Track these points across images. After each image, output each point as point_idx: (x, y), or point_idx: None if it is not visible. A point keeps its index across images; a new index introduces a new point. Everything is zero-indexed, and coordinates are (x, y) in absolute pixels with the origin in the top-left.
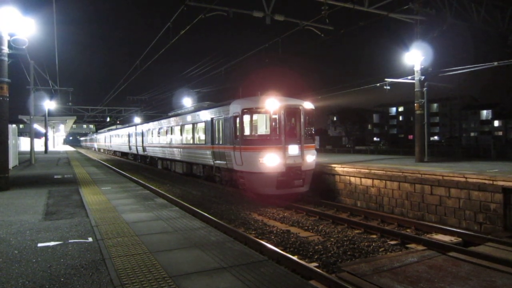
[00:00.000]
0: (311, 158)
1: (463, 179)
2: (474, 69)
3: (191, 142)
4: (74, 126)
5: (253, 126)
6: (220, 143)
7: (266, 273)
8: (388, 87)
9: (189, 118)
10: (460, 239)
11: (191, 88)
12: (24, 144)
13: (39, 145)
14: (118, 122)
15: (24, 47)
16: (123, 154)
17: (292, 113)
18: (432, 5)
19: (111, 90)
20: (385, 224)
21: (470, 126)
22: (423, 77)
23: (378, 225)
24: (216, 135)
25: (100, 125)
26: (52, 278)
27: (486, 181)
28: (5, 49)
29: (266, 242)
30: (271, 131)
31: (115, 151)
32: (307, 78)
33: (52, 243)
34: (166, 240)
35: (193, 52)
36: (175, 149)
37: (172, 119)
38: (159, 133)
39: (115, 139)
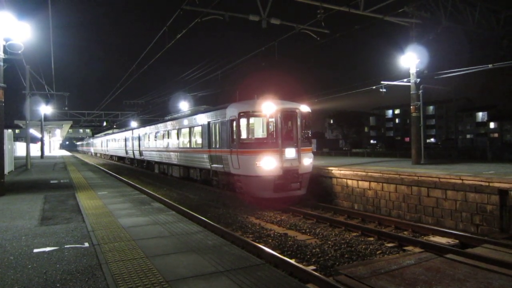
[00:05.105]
0: (308, 161)
1: (460, 181)
2: (469, 72)
3: (188, 146)
4: (70, 130)
5: (249, 129)
6: (217, 146)
7: (263, 277)
8: (384, 90)
9: (185, 122)
10: (457, 241)
11: (187, 92)
12: (20, 149)
13: (35, 150)
14: (114, 126)
15: (19, 52)
16: (120, 158)
17: (288, 116)
18: (427, 8)
19: (107, 95)
20: (382, 227)
21: (466, 128)
22: (418, 80)
23: (375, 227)
24: (213, 139)
25: (97, 130)
26: (48, 283)
27: (483, 183)
28: (1, 54)
29: (264, 246)
30: (268, 134)
31: (111, 156)
32: (304, 81)
33: (48, 249)
34: (163, 245)
35: (189, 56)
36: (172, 153)
37: (168, 123)
38: (156, 137)
39: (111, 143)
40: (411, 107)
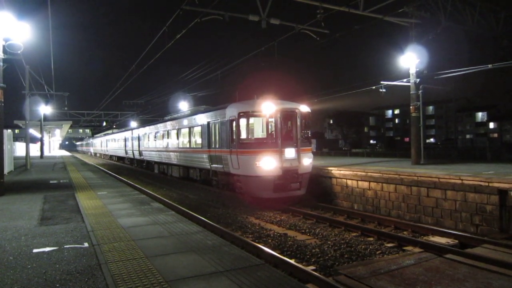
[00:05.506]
0: (307, 161)
1: (459, 181)
2: (468, 72)
3: (188, 146)
4: (70, 130)
5: (249, 129)
6: (217, 146)
7: (263, 277)
8: (384, 90)
9: (185, 122)
10: (457, 241)
11: (187, 92)
12: (19, 149)
13: (34, 150)
14: (114, 126)
15: (19, 52)
16: (120, 158)
17: (288, 116)
18: (426, 8)
19: (107, 95)
20: (382, 227)
21: (466, 128)
22: (418, 80)
23: (375, 227)
24: (213, 139)
25: (96, 130)
26: (47, 284)
27: (482, 183)
28: (0, 54)
29: (263, 246)
30: (268, 134)
31: (111, 156)
32: (304, 81)
33: (47, 249)
34: (162, 245)
35: (189, 56)
36: (171, 153)
37: (168, 123)
38: (155, 137)
39: (111, 143)
40: (411, 107)
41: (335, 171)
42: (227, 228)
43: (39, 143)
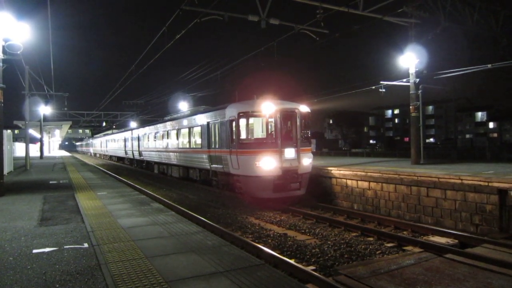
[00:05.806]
0: (307, 161)
1: (459, 181)
2: (468, 72)
3: (188, 146)
4: (69, 131)
5: (249, 129)
6: (217, 147)
7: (263, 277)
8: (384, 90)
9: (185, 122)
10: (457, 240)
11: (187, 92)
12: (19, 149)
13: (34, 150)
14: (114, 126)
15: (19, 52)
16: (119, 159)
17: (288, 116)
18: (426, 8)
19: (107, 95)
20: (381, 227)
21: (465, 128)
22: (418, 80)
23: (375, 227)
24: (213, 139)
25: (96, 130)
26: (47, 284)
27: (482, 183)
28: (0, 55)
29: (263, 246)
30: (267, 134)
31: (111, 156)
32: (303, 81)
33: (47, 249)
34: (162, 245)
35: (189, 56)
36: (171, 154)
37: (168, 123)
38: (155, 137)
39: (111, 144)
40: (411, 107)
41: (335, 171)
42: (227, 228)
43: (38, 144)
